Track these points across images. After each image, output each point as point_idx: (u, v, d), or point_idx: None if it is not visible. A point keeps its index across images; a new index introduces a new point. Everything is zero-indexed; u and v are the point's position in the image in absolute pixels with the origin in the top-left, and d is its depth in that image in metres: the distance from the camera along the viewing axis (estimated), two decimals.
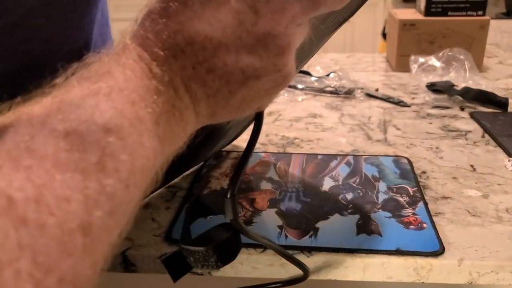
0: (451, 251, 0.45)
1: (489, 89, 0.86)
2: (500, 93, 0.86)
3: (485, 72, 1.04)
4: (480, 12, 1.03)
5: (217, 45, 0.27)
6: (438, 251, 0.45)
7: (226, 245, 0.39)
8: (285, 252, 0.42)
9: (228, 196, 0.36)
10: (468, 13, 1.04)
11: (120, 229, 0.24)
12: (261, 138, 0.71)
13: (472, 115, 0.80)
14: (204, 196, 0.55)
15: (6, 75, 0.41)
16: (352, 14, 0.38)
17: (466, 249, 0.46)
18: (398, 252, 0.45)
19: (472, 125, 0.76)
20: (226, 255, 0.39)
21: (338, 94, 0.92)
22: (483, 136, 0.72)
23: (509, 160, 0.63)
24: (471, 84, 0.90)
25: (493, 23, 1.15)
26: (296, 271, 0.44)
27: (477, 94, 0.85)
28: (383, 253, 0.45)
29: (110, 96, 0.24)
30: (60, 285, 0.19)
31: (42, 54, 0.43)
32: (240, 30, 0.27)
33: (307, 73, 1.00)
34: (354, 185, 0.57)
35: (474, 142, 0.70)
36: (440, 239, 0.47)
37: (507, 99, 0.83)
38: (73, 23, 0.45)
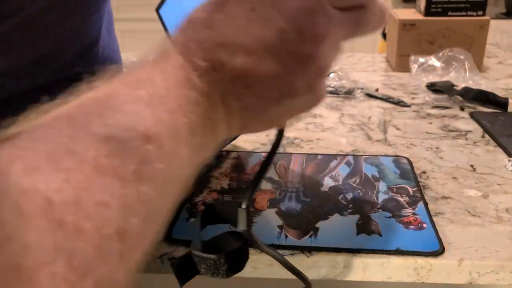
0: (451, 251, 0.46)
1: (489, 89, 0.86)
2: (500, 93, 0.86)
3: (485, 72, 1.04)
4: (480, 12, 1.03)
5: (258, 62, 0.27)
6: (438, 251, 0.45)
7: (237, 254, 0.39)
8: (293, 266, 0.41)
9: (243, 207, 0.36)
10: (468, 13, 1.03)
11: (152, 237, 0.24)
12: (261, 138, 0.71)
13: (472, 115, 0.80)
14: (217, 204, 0.54)
15: (20, 69, 0.42)
16: None
17: (466, 249, 0.46)
18: (398, 252, 0.45)
19: (472, 125, 0.76)
20: (236, 264, 0.39)
21: (338, 94, 0.92)
22: (483, 136, 0.72)
23: (509, 160, 0.63)
24: (471, 84, 0.90)
25: (493, 23, 1.15)
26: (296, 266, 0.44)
27: (477, 94, 0.85)
28: (383, 253, 0.45)
29: (150, 104, 0.24)
30: None
31: (54, 48, 0.44)
32: (283, 49, 0.27)
33: None
34: (354, 185, 0.57)
35: (474, 142, 0.70)
36: (440, 239, 0.47)
37: (507, 99, 0.83)
38: (84, 19, 0.45)
